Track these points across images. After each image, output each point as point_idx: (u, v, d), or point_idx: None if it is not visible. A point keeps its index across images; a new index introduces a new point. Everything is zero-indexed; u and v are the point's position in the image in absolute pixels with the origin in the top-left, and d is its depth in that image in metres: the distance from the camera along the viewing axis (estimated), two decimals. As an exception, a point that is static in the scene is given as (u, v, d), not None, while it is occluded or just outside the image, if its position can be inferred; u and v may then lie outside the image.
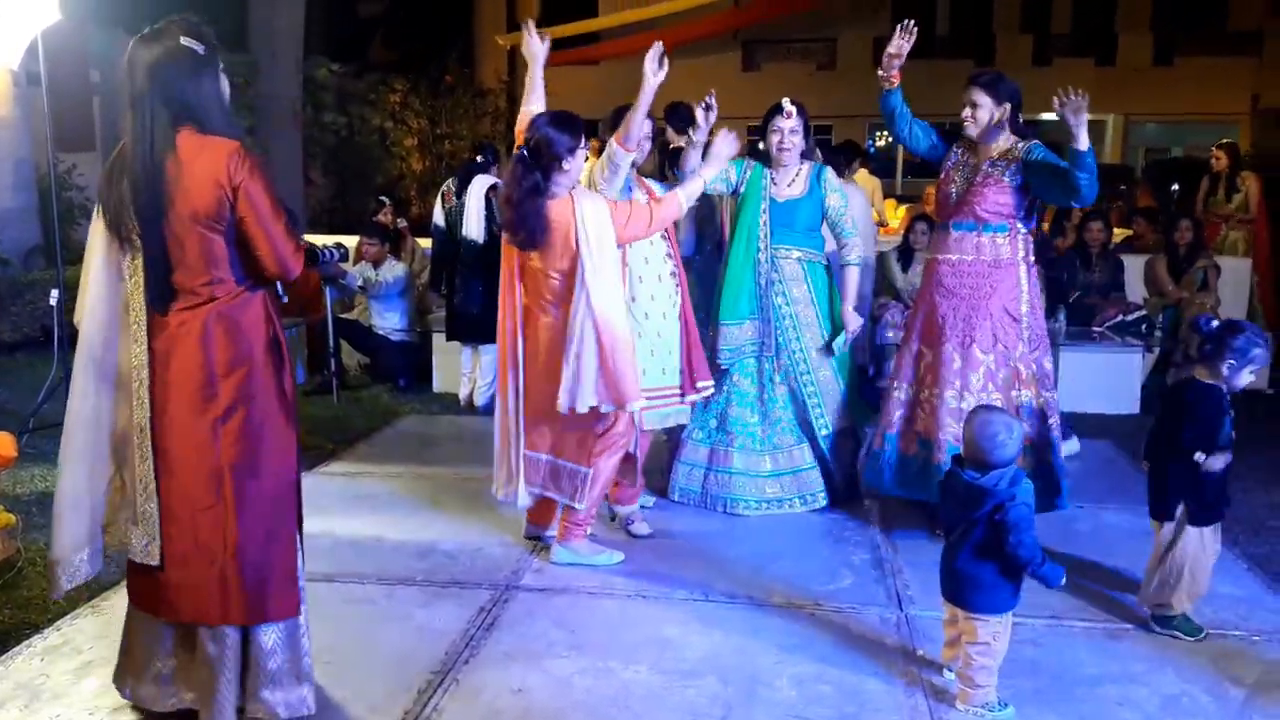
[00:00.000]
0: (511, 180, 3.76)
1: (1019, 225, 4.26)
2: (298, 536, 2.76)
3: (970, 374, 4.23)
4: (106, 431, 2.68)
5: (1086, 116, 3.83)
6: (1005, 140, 4.27)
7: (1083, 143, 3.87)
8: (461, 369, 6.78)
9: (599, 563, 4.02)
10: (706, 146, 4.18)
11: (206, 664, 2.68)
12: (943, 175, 4.41)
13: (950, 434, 4.18)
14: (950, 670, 3.09)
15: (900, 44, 4.25)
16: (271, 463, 2.64)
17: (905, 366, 4.47)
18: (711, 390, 4.49)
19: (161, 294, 2.56)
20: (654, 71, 3.94)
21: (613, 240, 3.73)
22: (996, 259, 4.23)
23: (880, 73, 4.32)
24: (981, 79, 4.29)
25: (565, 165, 3.71)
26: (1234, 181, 8.80)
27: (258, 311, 2.64)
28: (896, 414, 4.44)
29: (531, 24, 4.10)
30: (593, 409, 3.75)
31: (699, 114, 4.33)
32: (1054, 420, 4.31)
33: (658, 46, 3.98)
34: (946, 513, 3.11)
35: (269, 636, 2.71)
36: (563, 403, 3.72)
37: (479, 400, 6.58)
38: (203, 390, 2.57)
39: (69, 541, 2.68)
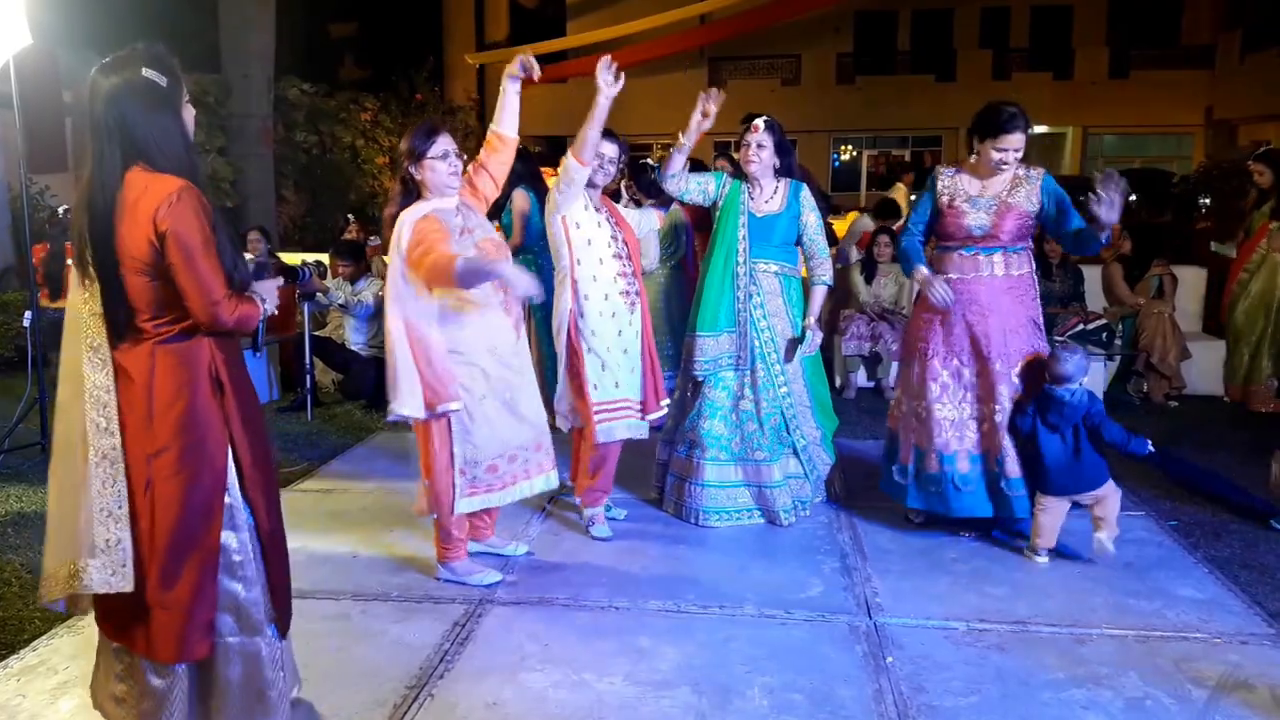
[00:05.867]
0: None
1: (1029, 243, 4.46)
2: (246, 573, 2.69)
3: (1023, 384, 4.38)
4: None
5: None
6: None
7: (1106, 231, 4.20)
8: None
9: (474, 581, 4.01)
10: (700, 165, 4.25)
11: (151, 696, 2.65)
12: (947, 205, 4.36)
13: (1013, 446, 4.31)
14: (1041, 555, 4.26)
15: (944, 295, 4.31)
16: (197, 502, 2.58)
17: (939, 383, 4.42)
18: (667, 410, 4.59)
19: (117, 328, 2.54)
20: (608, 84, 3.99)
21: (403, 251, 3.68)
22: (1021, 274, 4.40)
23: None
24: (1023, 124, 4.23)
25: (415, 175, 3.77)
26: None
27: (201, 349, 2.60)
28: (947, 433, 4.39)
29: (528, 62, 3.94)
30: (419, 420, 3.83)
31: (693, 119, 4.42)
32: None
33: (607, 59, 4.03)
34: (1052, 422, 4.16)
35: (230, 669, 2.69)
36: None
37: None
38: (143, 424, 2.55)
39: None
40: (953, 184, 4.39)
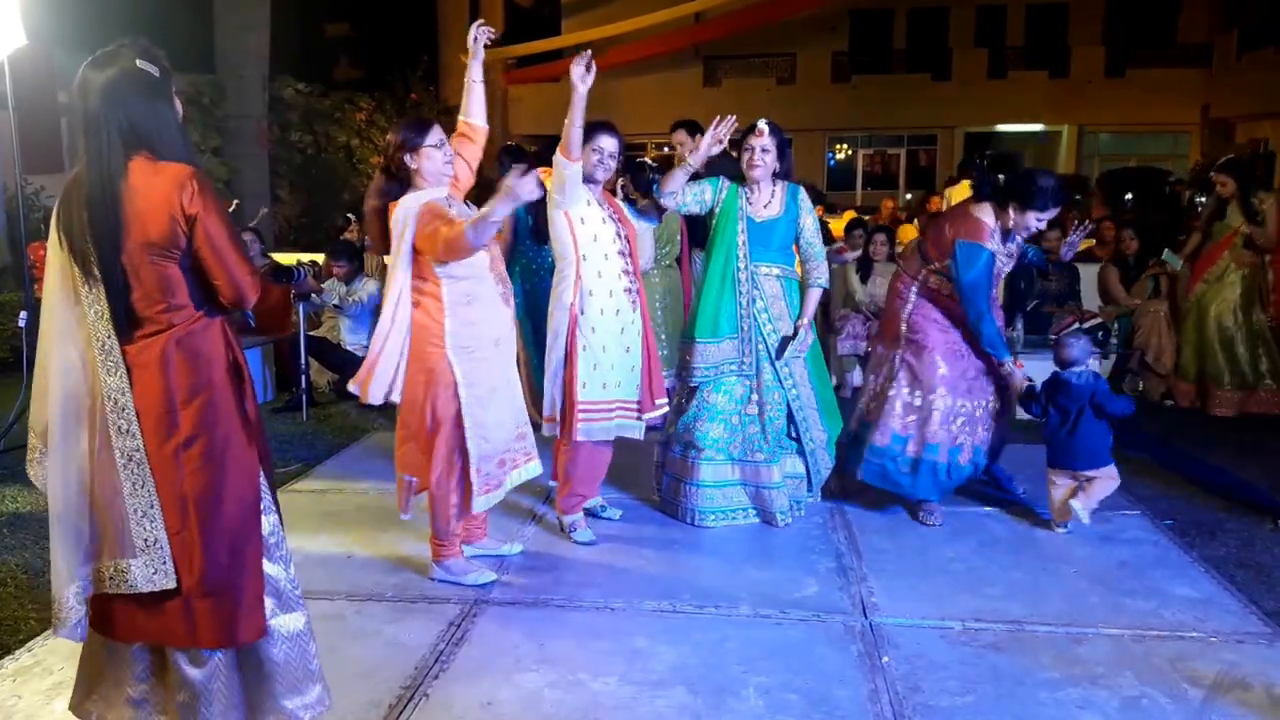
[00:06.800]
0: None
1: None
2: (281, 553, 2.75)
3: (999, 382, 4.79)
4: (84, 469, 2.59)
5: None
6: None
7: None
8: None
9: (469, 581, 4.01)
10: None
11: (187, 688, 2.64)
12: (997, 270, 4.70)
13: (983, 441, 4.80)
14: (1062, 527, 4.62)
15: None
16: (234, 489, 2.60)
17: (980, 381, 4.76)
18: (666, 410, 4.58)
19: (123, 323, 2.52)
20: (580, 79, 4.00)
21: (409, 238, 3.71)
22: None
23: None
24: (1061, 201, 4.57)
25: (410, 164, 3.76)
26: (1250, 205, 6.82)
27: (217, 337, 2.60)
28: (980, 429, 4.78)
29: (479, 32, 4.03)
30: (409, 415, 3.85)
31: (705, 141, 4.45)
32: None
33: (584, 55, 4.04)
34: (1061, 404, 4.56)
35: (279, 649, 2.71)
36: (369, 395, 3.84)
37: None
38: (165, 418, 2.53)
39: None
40: (998, 250, 4.61)
